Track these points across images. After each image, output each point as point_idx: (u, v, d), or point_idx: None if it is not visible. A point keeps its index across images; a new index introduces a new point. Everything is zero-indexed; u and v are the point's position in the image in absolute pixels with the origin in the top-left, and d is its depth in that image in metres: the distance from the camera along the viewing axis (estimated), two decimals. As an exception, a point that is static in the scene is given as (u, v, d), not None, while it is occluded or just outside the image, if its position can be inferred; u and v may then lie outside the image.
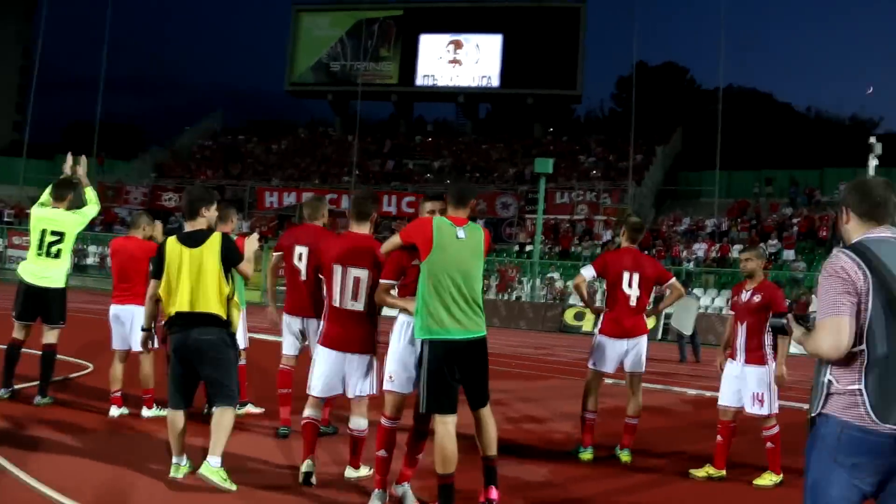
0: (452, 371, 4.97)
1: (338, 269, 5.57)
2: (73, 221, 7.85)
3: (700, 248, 31.41)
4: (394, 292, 5.36)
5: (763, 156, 46.48)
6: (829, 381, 3.14)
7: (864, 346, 3.05)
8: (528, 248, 33.40)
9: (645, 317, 7.24)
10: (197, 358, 5.43)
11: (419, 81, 48.63)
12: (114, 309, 7.58)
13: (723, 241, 32.13)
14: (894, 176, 27.27)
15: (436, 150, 47.18)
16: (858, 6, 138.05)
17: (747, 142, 49.59)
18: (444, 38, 48.26)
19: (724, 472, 6.62)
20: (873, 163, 17.07)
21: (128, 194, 42.78)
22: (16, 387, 7.76)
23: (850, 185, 3.43)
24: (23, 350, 7.85)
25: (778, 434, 6.60)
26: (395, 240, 5.19)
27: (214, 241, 5.49)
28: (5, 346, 7.87)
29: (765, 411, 6.55)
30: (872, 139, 17.37)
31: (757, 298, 6.59)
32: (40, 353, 7.75)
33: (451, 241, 5.01)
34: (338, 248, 5.64)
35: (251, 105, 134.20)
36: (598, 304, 7.81)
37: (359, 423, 5.73)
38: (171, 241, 5.53)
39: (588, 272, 7.26)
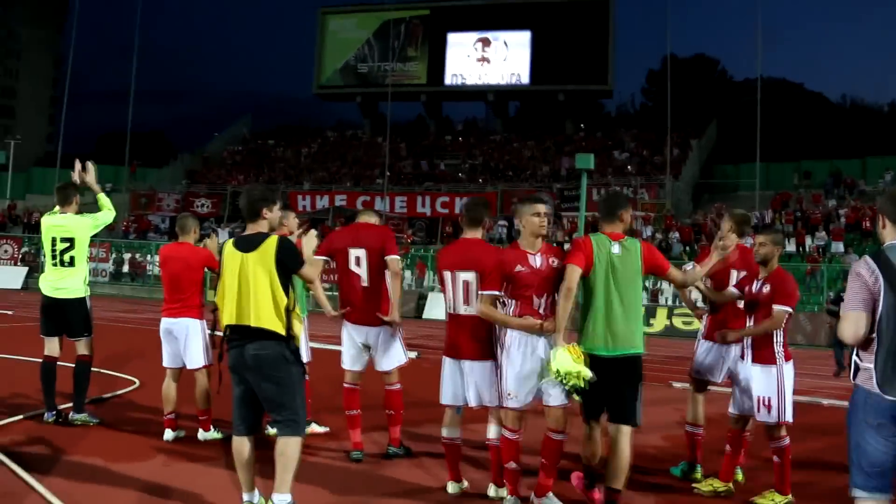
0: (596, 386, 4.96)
1: (448, 275, 5.60)
2: (81, 225, 7.37)
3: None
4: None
5: (800, 146, 45.57)
6: (855, 359, 3.94)
7: (875, 335, 3.80)
8: (567, 246, 32.81)
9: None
10: (255, 376, 4.77)
11: (448, 81, 48.29)
12: (165, 323, 7.07)
13: (769, 233, 31.23)
14: None
15: (467, 150, 46.76)
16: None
17: (783, 132, 48.60)
18: (472, 37, 47.86)
19: (731, 487, 5.92)
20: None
21: (160, 201, 42.82)
22: (60, 407, 7.37)
23: (888, 194, 4.09)
24: (59, 365, 7.39)
25: (787, 448, 5.76)
26: (570, 271, 5.08)
27: (270, 245, 4.81)
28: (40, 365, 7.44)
29: (772, 419, 5.70)
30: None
31: (767, 289, 5.78)
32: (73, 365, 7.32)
33: (606, 258, 5.15)
34: (450, 253, 5.70)
35: (279, 110, 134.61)
36: (699, 305, 7.00)
37: (497, 431, 5.50)
38: (229, 245, 4.96)
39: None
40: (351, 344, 6.56)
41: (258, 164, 47.45)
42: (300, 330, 5.08)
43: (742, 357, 5.90)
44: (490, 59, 47.67)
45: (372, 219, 6.78)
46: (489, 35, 47.65)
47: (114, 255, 36.42)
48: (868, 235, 29.57)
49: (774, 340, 5.73)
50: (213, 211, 41.94)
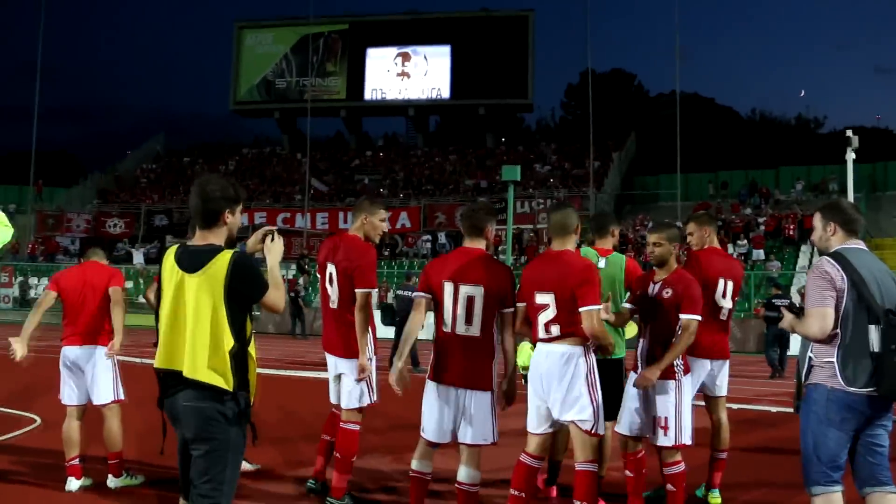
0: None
1: (448, 287, 4.87)
2: None
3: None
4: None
5: (715, 158, 46.55)
6: (811, 357, 4.10)
7: (838, 331, 3.98)
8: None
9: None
10: (186, 432, 3.67)
11: (368, 96, 47.68)
12: (67, 353, 6.24)
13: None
14: (878, 170, 26.95)
15: (388, 165, 46.23)
16: (787, 9, 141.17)
17: (699, 145, 49.61)
18: (392, 51, 47.42)
19: None
20: (851, 156, 16.45)
21: (70, 222, 40.89)
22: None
23: (834, 206, 4.38)
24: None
25: (682, 474, 5.25)
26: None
27: (220, 265, 3.58)
28: None
29: (668, 441, 5.19)
30: (849, 132, 16.76)
31: (667, 293, 5.20)
32: None
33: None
34: (450, 263, 4.99)
35: (195, 127, 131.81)
36: None
37: (470, 474, 4.87)
38: (170, 257, 3.74)
39: None
40: (329, 370, 5.93)
41: (173, 183, 45.91)
42: (254, 374, 3.78)
43: (635, 370, 5.33)
44: (410, 73, 47.30)
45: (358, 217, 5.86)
46: (409, 50, 47.29)
47: (19, 280, 34.54)
48: (789, 242, 30.18)
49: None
50: (126, 231, 40.33)
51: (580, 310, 4.73)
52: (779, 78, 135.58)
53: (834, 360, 3.96)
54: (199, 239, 3.74)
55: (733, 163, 43.74)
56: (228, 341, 3.57)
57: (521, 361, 5.63)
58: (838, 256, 4.11)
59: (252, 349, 3.71)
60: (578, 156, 41.66)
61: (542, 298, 4.85)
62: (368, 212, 5.80)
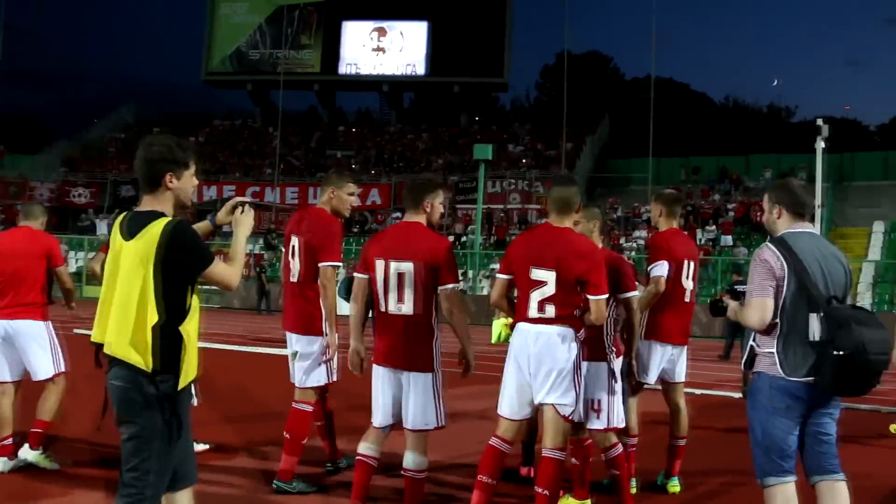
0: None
1: (380, 264, 4.69)
2: None
3: (640, 236, 31.03)
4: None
5: (687, 143, 46.74)
6: (753, 346, 4.01)
7: (778, 320, 3.86)
8: (464, 238, 32.61)
9: None
10: (120, 418, 3.37)
11: (342, 70, 47.13)
12: (0, 326, 5.84)
13: (660, 227, 31.83)
14: (846, 160, 27.27)
15: (360, 141, 45.86)
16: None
17: (671, 129, 49.78)
18: (368, 25, 46.86)
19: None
20: (821, 145, 16.56)
21: (33, 190, 40.09)
22: None
23: (781, 187, 4.22)
24: None
25: (621, 456, 5.11)
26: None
27: (154, 232, 3.30)
28: None
29: (601, 425, 5.04)
30: (819, 121, 16.87)
31: None
32: None
33: None
34: (383, 240, 4.80)
35: (166, 97, 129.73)
36: None
37: (416, 460, 4.70)
38: (117, 221, 3.51)
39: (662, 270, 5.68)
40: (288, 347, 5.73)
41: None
42: (192, 356, 3.37)
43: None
44: (386, 49, 46.79)
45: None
46: (385, 24, 46.75)
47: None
48: (757, 229, 30.40)
49: (604, 332, 5.02)
50: (92, 201, 39.71)
51: (590, 298, 4.57)
52: (753, 66, 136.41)
53: (774, 349, 3.88)
54: (143, 204, 3.47)
55: (705, 149, 43.93)
56: (153, 316, 3.24)
57: (494, 338, 5.47)
58: (780, 242, 3.97)
59: (191, 327, 3.36)
60: (551, 137, 41.58)
61: (540, 275, 4.59)
62: (336, 185, 5.64)
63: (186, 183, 3.50)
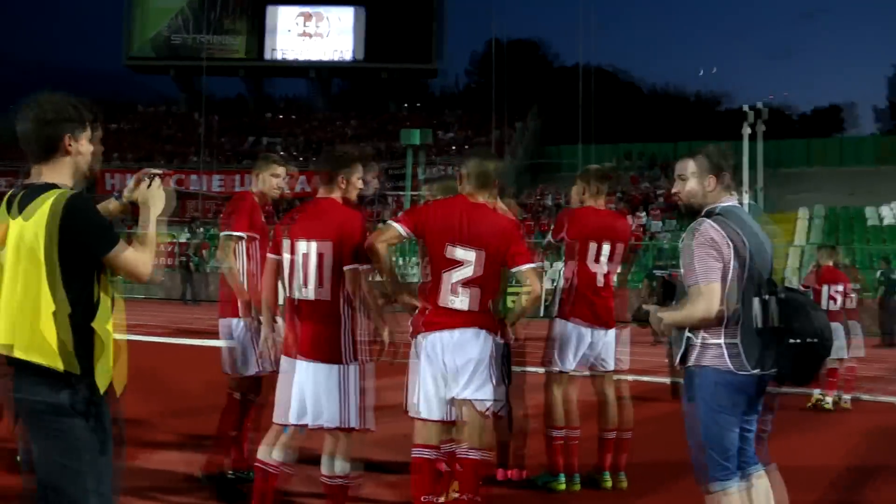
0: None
1: (286, 244, 4.28)
2: None
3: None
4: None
5: (617, 130, 47.21)
6: (690, 337, 3.51)
7: (724, 307, 3.42)
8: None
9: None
10: (32, 435, 2.80)
11: (268, 56, 46.31)
12: None
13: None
14: (780, 148, 27.72)
15: (289, 128, 45.11)
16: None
17: (602, 117, 50.31)
18: (295, 10, 46.12)
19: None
20: (747, 131, 16.66)
21: (-59, 181, 38.27)
22: None
23: (715, 152, 3.66)
24: None
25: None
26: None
27: (47, 205, 2.72)
28: None
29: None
30: (745, 107, 17.00)
31: None
32: None
33: None
34: (293, 219, 4.38)
35: (85, 82, 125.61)
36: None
37: (330, 465, 4.21)
38: (5, 201, 2.89)
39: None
40: None
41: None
42: (107, 354, 2.79)
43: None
44: (313, 34, 46.08)
45: None
46: (312, 10, 46.05)
47: None
48: (685, 215, 30.85)
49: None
50: (6, 190, 37.93)
51: (522, 268, 4.18)
52: (683, 55, 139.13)
53: (722, 341, 3.45)
54: (35, 176, 2.86)
55: (635, 136, 44.44)
56: (53, 307, 2.67)
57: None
58: (721, 219, 3.50)
59: (105, 321, 2.79)
60: (482, 124, 41.54)
61: (458, 254, 4.15)
62: (260, 168, 5.53)
63: (89, 149, 2.96)
